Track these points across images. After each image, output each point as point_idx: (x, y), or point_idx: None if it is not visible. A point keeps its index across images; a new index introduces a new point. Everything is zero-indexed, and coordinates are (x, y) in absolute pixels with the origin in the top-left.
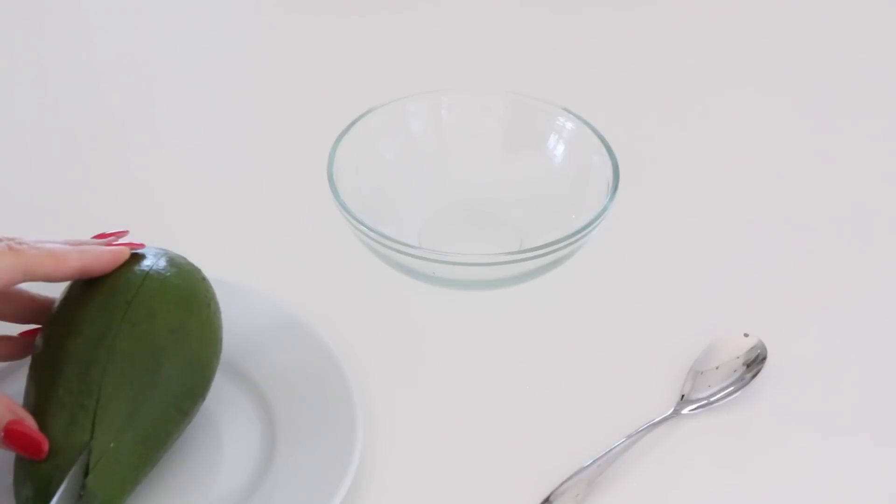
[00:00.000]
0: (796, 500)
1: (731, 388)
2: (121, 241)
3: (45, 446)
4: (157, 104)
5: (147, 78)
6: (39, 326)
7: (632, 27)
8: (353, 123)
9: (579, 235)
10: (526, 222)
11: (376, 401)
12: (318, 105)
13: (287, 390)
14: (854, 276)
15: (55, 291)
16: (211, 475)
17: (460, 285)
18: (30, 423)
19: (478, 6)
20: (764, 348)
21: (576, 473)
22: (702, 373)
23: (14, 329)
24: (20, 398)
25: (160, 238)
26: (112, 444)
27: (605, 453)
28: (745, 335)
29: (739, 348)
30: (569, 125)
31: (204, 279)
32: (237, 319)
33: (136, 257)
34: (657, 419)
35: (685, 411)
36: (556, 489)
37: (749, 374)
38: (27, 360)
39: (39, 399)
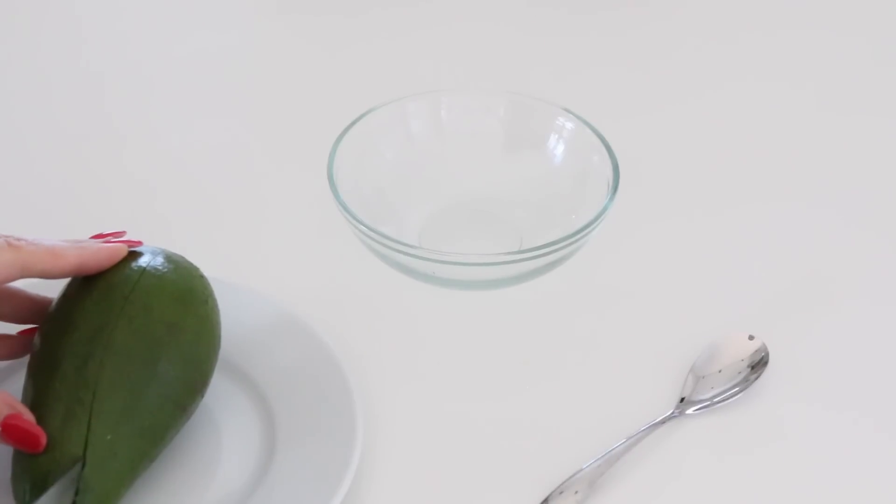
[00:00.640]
0: (799, 501)
1: (734, 389)
2: (118, 239)
3: (43, 440)
4: (156, 104)
5: (146, 78)
6: (37, 326)
7: (632, 27)
8: (353, 123)
9: (579, 235)
10: (526, 222)
11: (376, 401)
12: (318, 105)
13: (287, 390)
14: (857, 278)
15: (53, 292)
16: (211, 475)
17: (460, 285)
18: (28, 416)
19: (478, 6)
20: (767, 351)
21: (576, 474)
22: (704, 376)
23: (13, 329)
24: (20, 396)
25: (160, 238)
26: (109, 437)
27: (606, 454)
28: (750, 338)
29: (744, 351)
30: (569, 125)
31: (202, 277)
32: (237, 319)
33: (133, 255)
34: (658, 419)
35: (686, 412)
36: (556, 489)
37: (752, 377)
38: (27, 359)
39: (37, 393)
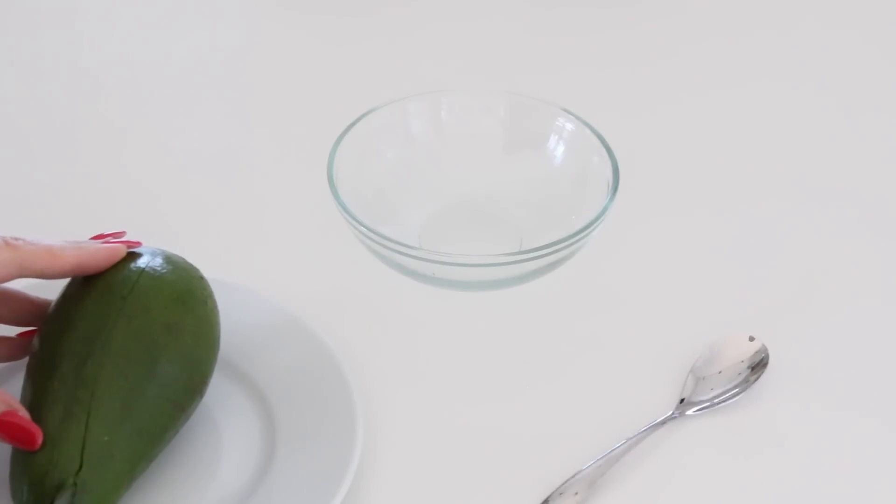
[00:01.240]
0: (797, 501)
1: (735, 390)
2: (117, 240)
3: (39, 437)
4: (155, 105)
5: (145, 78)
6: (36, 329)
7: (632, 27)
8: (353, 123)
9: (579, 236)
10: (526, 223)
11: (376, 401)
12: (318, 105)
13: (287, 391)
14: (858, 279)
15: (52, 294)
16: (211, 475)
17: (460, 286)
18: (23, 413)
19: (478, 6)
20: (767, 352)
21: (576, 474)
22: (704, 377)
23: (12, 331)
24: (19, 397)
25: (160, 239)
26: (106, 438)
27: (606, 454)
28: (751, 339)
29: (744, 352)
30: (569, 125)
31: (201, 278)
32: (237, 320)
33: (132, 255)
34: (658, 420)
35: (686, 413)
36: (557, 489)
37: (752, 378)
38: (26, 361)
39: (35, 393)
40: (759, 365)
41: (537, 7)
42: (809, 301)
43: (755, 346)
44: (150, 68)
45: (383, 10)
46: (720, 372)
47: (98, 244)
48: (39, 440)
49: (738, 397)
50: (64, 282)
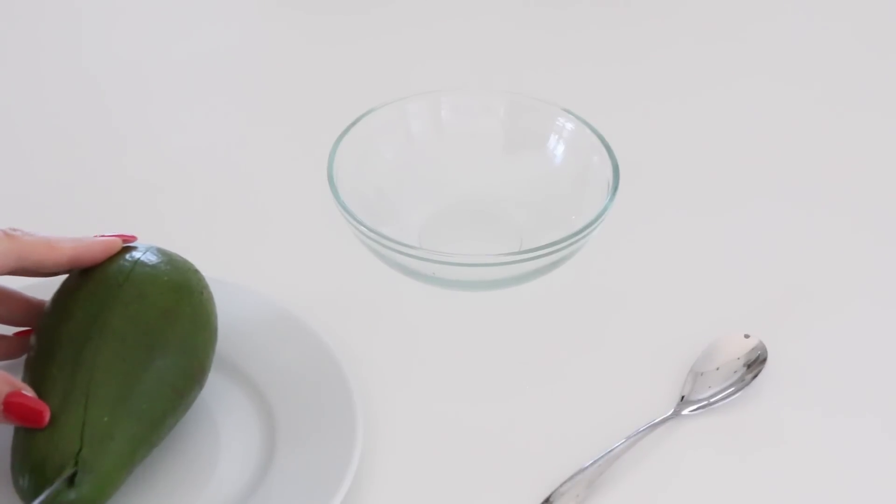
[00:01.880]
0: (797, 501)
1: (732, 388)
2: (114, 234)
3: (47, 414)
4: (155, 105)
5: (145, 78)
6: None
7: (632, 27)
8: (353, 123)
9: (579, 236)
10: (526, 222)
11: (376, 401)
12: (318, 105)
13: (287, 390)
14: (855, 278)
15: (48, 295)
16: (210, 474)
17: (460, 286)
18: (28, 392)
19: (478, 6)
20: (764, 349)
21: (576, 474)
22: (702, 374)
23: (9, 331)
24: None
25: (160, 238)
26: (105, 419)
27: (606, 454)
28: (746, 336)
29: (740, 349)
30: (569, 125)
31: (196, 271)
32: (237, 319)
33: (127, 249)
34: (657, 420)
35: (685, 412)
36: (556, 489)
37: (749, 375)
38: (24, 360)
39: (34, 380)
40: (755, 362)
41: (538, 7)
42: (808, 299)
43: (751, 343)
44: (149, 68)
45: (383, 9)
46: (717, 369)
47: (94, 238)
48: (47, 417)
49: (735, 395)
50: (59, 280)
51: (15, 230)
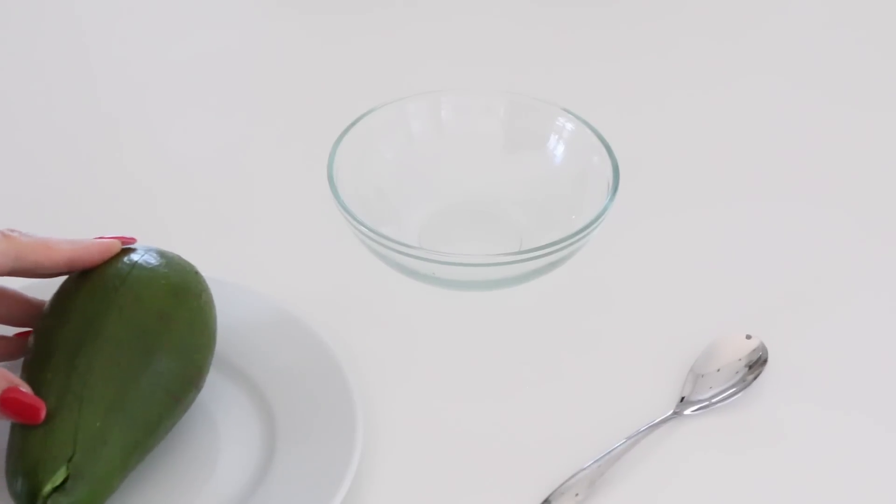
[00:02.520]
0: (798, 501)
1: (733, 389)
2: (113, 235)
3: (43, 411)
4: (156, 105)
5: (147, 78)
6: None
7: (632, 27)
8: (353, 123)
9: (579, 236)
10: (526, 222)
11: (376, 401)
12: (317, 105)
13: (287, 390)
14: (856, 277)
15: (48, 295)
16: (210, 475)
17: (460, 286)
18: (25, 388)
19: (478, 6)
20: (765, 350)
21: (576, 474)
22: (703, 375)
23: (9, 331)
24: None
25: (160, 238)
26: (98, 424)
27: (606, 454)
28: (748, 337)
29: (741, 350)
30: (569, 125)
31: (196, 273)
32: (237, 319)
33: (126, 251)
34: (658, 420)
35: (686, 412)
36: (557, 489)
37: (751, 376)
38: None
39: (30, 383)
40: (757, 363)
41: (538, 7)
42: (808, 300)
43: (752, 344)
44: (149, 68)
45: (384, 9)
46: (718, 370)
47: (93, 239)
48: (43, 413)
49: (736, 396)
50: (59, 282)
51: (13, 231)
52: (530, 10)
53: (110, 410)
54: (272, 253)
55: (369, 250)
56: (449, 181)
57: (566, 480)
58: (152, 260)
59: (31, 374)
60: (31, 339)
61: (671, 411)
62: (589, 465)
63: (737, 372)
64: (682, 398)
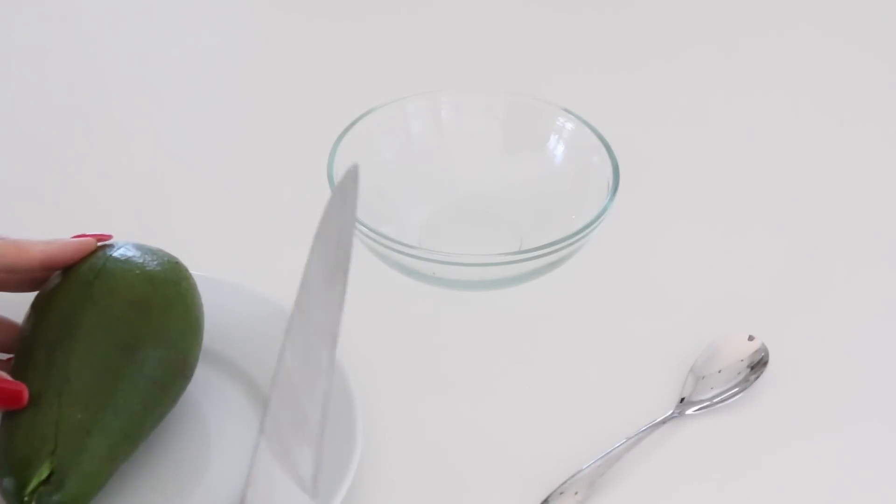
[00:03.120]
0: (798, 502)
1: (734, 390)
2: (91, 234)
3: (25, 394)
4: (155, 105)
5: (148, 78)
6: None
7: (632, 27)
8: (353, 123)
9: (579, 235)
10: (526, 222)
11: (376, 401)
12: (318, 105)
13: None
14: (857, 279)
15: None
16: (210, 475)
17: (460, 285)
18: (3, 374)
19: (478, 6)
20: (767, 351)
21: (576, 474)
22: (704, 377)
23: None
24: None
25: (160, 238)
26: (79, 416)
27: (606, 454)
28: (750, 338)
29: (743, 351)
30: (569, 125)
31: (176, 263)
32: (237, 319)
33: (103, 247)
34: (658, 420)
35: (686, 413)
36: (556, 489)
37: (752, 377)
38: None
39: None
40: (758, 364)
41: (537, 8)
42: (810, 301)
43: (754, 345)
44: (150, 68)
45: (384, 10)
46: (720, 371)
47: (68, 239)
48: (26, 396)
49: (738, 396)
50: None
51: None
52: (531, 11)
53: (91, 402)
54: (272, 253)
55: (369, 250)
56: (449, 181)
57: (566, 480)
58: (128, 252)
59: (14, 376)
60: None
61: (671, 412)
62: (589, 465)
63: (738, 373)
64: (682, 399)
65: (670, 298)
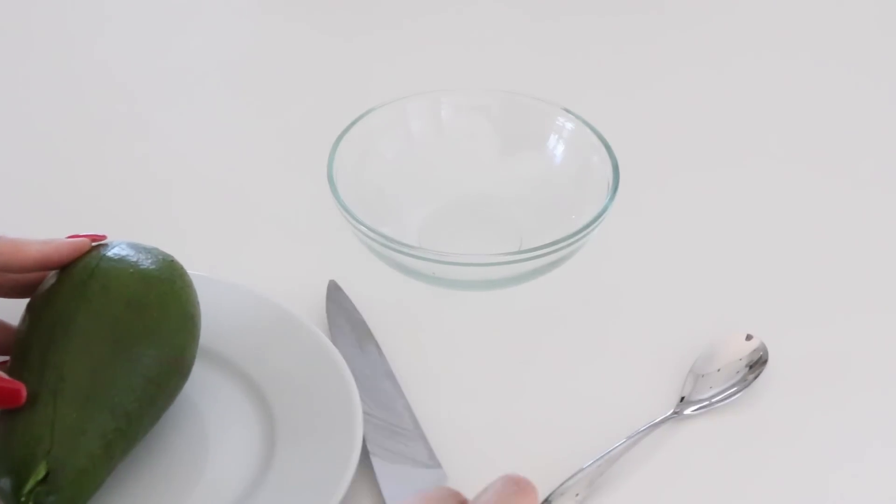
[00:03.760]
0: (798, 501)
1: (733, 389)
2: (86, 234)
3: (23, 392)
4: (156, 105)
5: (149, 78)
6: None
7: (632, 27)
8: (353, 123)
9: (579, 235)
10: (526, 222)
11: None
12: (317, 105)
13: (287, 391)
14: (856, 278)
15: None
16: (210, 475)
17: (460, 285)
18: (1, 373)
19: (478, 6)
20: (765, 350)
21: (576, 474)
22: (703, 375)
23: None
24: None
25: (161, 238)
26: (74, 415)
27: (606, 454)
28: (748, 337)
29: (742, 350)
30: (569, 125)
31: (171, 261)
32: (236, 319)
33: (98, 246)
34: (658, 419)
35: (686, 412)
36: (557, 489)
37: (751, 376)
38: None
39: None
40: (757, 363)
41: (538, 7)
42: (809, 299)
43: (753, 344)
44: (150, 69)
45: (384, 10)
46: (719, 370)
47: (63, 239)
48: (24, 394)
49: (737, 396)
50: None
51: None
52: (531, 11)
53: (86, 401)
54: (272, 253)
55: (369, 250)
56: (449, 181)
57: (566, 480)
58: (122, 252)
59: (11, 377)
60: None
61: (671, 411)
62: (589, 465)
63: (737, 372)
64: (682, 398)
65: (670, 298)
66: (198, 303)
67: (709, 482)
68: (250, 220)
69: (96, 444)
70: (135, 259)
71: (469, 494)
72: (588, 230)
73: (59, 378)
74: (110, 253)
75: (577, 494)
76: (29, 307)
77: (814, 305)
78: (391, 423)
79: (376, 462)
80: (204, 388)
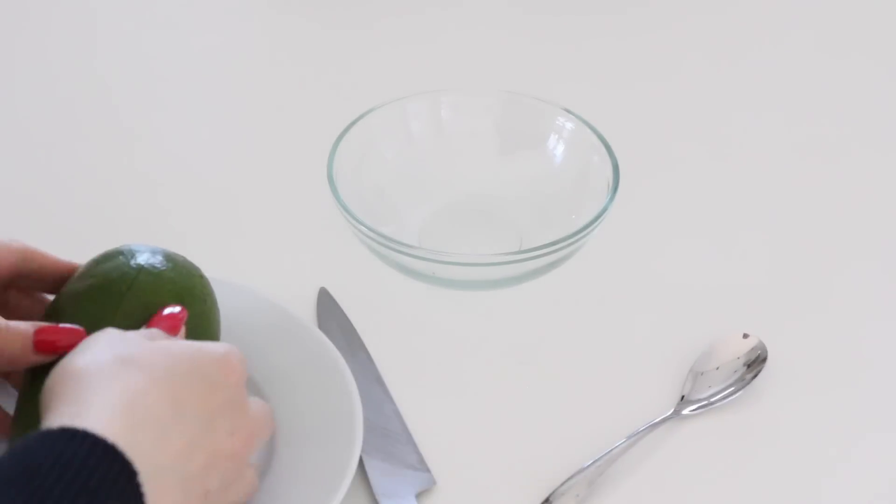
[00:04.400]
0: (797, 500)
1: (732, 388)
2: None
3: (82, 332)
4: (157, 105)
5: (149, 79)
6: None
7: (632, 27)
8: (353, 123)
9: (579, 235)
10: (526, 222)
11: None
12: (317, 105)
13: (288, 390)
14: (854, 277)
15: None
16: None
17: (460, 285)
18: (49, 324)
19: (479, 7)
20: (764, 349)
21: (576, 474)
22: (702, 374)
23: None
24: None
25: (161, 237)
26: None
27: (606, 453)
28: (745, 336)
29: (740, 349)
30: (569, 125)
31: (201, 276)
32: (237, 319)
33: (131, 253)
34: (657, 419)
35: (685, 412)
36: (557, 489)
37: (749, 375)
38: None
39: (33, 387)
40: (756, 361)
41: (538, 8)
42: (808, 298)
43: (750, 343)
44: (155, 69)
45: (385, 10)
46: (718, 368)
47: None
48: (82, 334)
49: (736, 395)
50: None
51: None
52: (531, 11)
53: None
54: (272, 252)
55: (370, 250)
56: (449, 181)
57: (566, 480)
58: (158, 263)
59: (36, 379)
60: None
61: (671, 411)
62: (589, 465)
63: (735, 371)
64: (682, 397)
65: (670, 298)
66: (220, 320)
67: (709, 482)
68: (250, 220)
69: None
70: (172, 274)
71: (461, 501)
72: (588, 230)
73: None
74: (147, 264)
75: (577, 494)
76: (59, 304)
77: (812, 304)
78: (381, 425)
79: (367, 460)
80: None
